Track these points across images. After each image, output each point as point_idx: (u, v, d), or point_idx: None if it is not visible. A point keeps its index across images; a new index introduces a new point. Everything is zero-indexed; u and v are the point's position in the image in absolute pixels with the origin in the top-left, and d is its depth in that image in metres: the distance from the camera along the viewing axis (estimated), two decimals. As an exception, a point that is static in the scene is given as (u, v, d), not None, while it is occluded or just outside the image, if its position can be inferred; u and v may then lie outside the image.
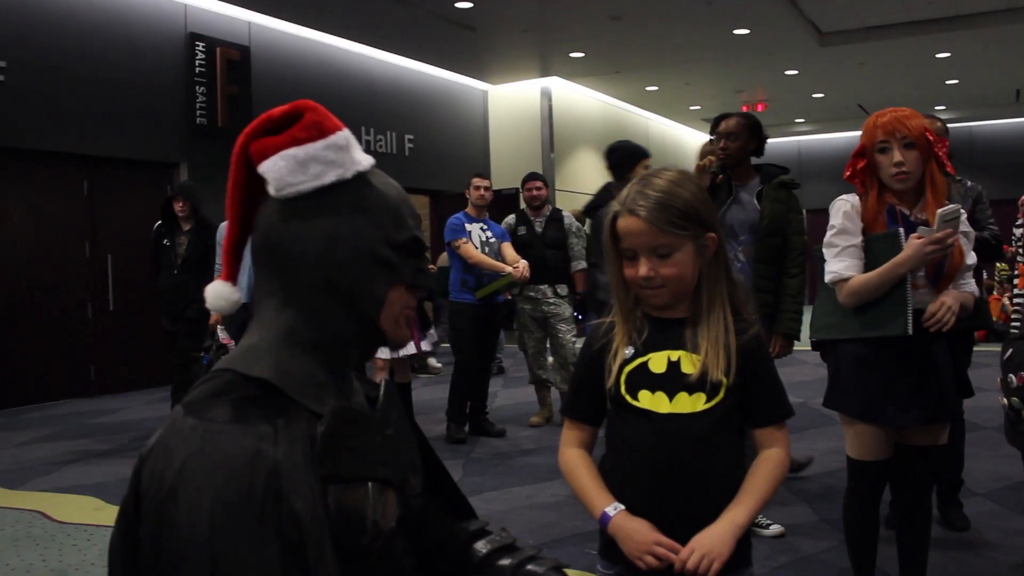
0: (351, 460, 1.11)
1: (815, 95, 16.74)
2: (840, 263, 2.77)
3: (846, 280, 2.76)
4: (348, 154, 1.16)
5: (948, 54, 13.41)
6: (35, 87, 8.40)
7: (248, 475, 1.00)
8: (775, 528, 3.99)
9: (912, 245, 2.62)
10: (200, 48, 9.87)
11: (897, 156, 2.68)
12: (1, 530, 4.45)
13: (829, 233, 2.82)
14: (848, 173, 2.84)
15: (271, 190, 1.15)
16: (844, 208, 2.80)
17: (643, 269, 1.63)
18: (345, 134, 1.17)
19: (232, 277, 1.25)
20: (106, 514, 4.67)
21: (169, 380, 9.78)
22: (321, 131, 1.15)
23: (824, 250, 2.84)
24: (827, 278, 2.81)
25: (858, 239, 2.78)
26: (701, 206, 1.65)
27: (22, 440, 6.89)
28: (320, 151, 1.14)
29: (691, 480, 1.63)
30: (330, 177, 1.14)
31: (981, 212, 3.98)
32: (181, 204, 6.87)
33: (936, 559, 3.25)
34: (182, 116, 9.75)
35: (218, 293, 1.25)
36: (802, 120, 19.78)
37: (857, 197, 2.83)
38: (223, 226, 6.91)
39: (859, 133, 2.83)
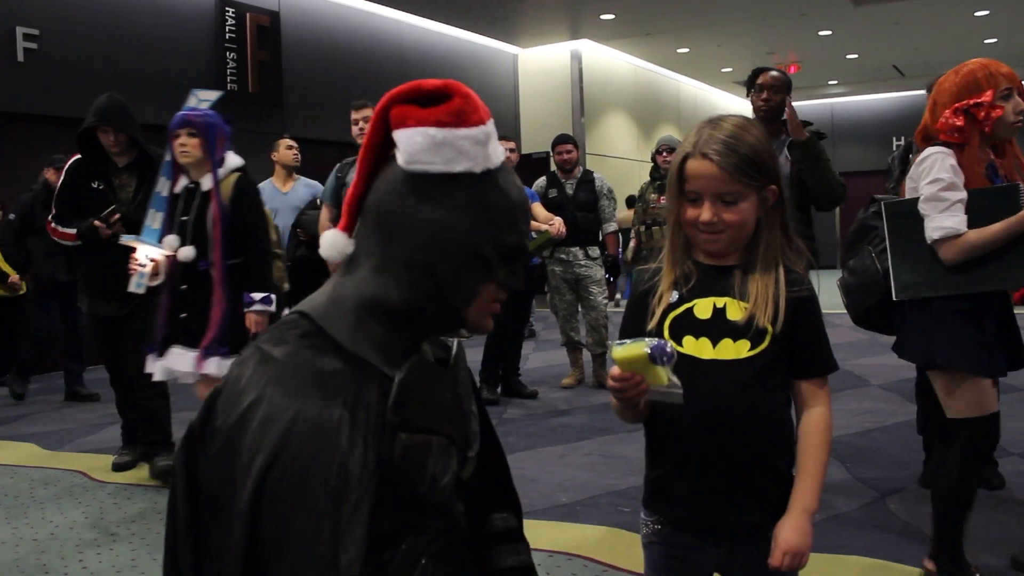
0: (422, 411, 1.14)
1: (849, 56, 16.47)
2: (952, 218, 2.69)
3: (959, 236, 2.69)
4: (484, 149, 1.16)
5: (987, 12, 13.13)
6: (66, 55, 8.46)
7: (313, 424, 1.06)
8: (808, 486, 3.99)
9: None
10: (230, 14, 9.87)
11: (1022, 104, 2.71)
12: (44, 489, 4.55)
13: (935, 187, 2.72)
14: (949, 123, 2.75)
15: (400, 159, 1.15)
16: (950, 162, 2.73)
17: (706, 214, 1.62)
18: (487, 129, 1.16)
19: (350, 228, 1.22)
20: (145, 473, 4.75)
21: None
22: (465, 119, 1.14)
23: (927, 204, 2.75)
24: (937, 234, 2.71)
25: (964, 194, 2.71)
26: (768, 155, 1.64)
27: (62, 404, 7.01)
28: (459, 139, 1.13)
29: (734, 427, 1.62)
30: (460, 167, 1.14)
31: None
32: (112, 137, 4.67)
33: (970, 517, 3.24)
34: (212, 82, 9.75)
35: (334, 243, 1.22)
36: (835, 82, 19.48)
37: (951, 151, 2.76)
38: (259, 187, 6.89)
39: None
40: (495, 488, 1.43)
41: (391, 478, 1.09)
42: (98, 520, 4.03)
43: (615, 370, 1.49)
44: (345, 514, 1.04)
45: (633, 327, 1.74)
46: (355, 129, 5.54)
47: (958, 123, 2.75)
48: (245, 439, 1.06)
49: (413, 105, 1.15)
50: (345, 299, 1.15)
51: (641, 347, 1.44)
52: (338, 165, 5.64)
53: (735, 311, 1.65)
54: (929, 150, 2.80)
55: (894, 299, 2.90)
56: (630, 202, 12.47)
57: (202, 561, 1.10)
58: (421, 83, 1.16)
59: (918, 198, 2.80)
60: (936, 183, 2.73)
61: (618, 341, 1.49)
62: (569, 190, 6.77)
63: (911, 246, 2.82)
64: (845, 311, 3.21)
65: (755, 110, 4.15)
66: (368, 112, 5.31)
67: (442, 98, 1.15)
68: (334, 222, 5.11)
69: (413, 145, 1.13)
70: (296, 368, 1.09)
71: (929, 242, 2.75)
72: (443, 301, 1.17)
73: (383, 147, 1.19)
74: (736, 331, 1.64)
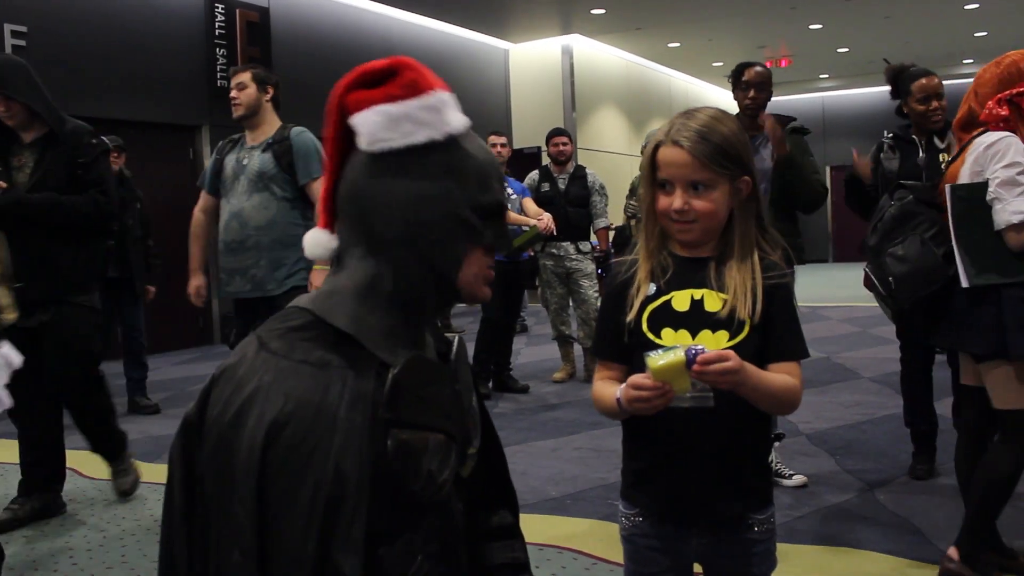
0: (418, 408, 1.13)
1: (840, 50, 16.50)
2: None
3: None
4: (441, 115, 1.17)
5: (976, 5, 13.17)
6: (55, 52, 8.41)
7: (308, 422, 1.05)
8: (798, 479, 4.00)
9: None
10: (219, 10, 9.85)
11: None
12: (34, 486, 4.52)
13: (1013, 170, 2.69)
14: (994, 113, 2.76)
15: (362, 143, 1.16)
16: (1021, 147, 2.72)
17: (677, 202, 1.62)
18: (440, 95, 1.17)
19: (330, 224, 1.24)
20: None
21: (198, 340, 9.96)
22: (417, 90, 1.15)
23: (1003, 188, 2.71)
24: (1017, 218, 2.67)
25: None
26: (741, 146, 1.64)
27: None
28: (414, 110, 1.14)
29: (715, 417, 1.61)
30: (421, 137, 1.15)
31: None
32: (3, 106, 3.77)
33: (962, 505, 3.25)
34: (202, 79, 9.76)
35: (316, 241, 1.24)
36: (826, 76, 19.52)
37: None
38: None
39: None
40: (493, 484, 1.43)
41: (386, 475, 1.09)
42: (88, 517, 4.03)
43: (644, 380, 1.47)
44: (344, 517, 1.04)
45: (612, 319, 1.73)
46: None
47: (1003, 112, 2.75)
48: (242, 435, 1.05)
49: (363, 89, 1.17)
50: (343, 290, 1.16)
51: (679, 354, 1.43)
52: (218, 145, 4.46)
53: (713, 302, 1.64)
54: (997, 134, 2.76)
55: (965, 286, 2.80)
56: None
57: (195, 552, 1.10)
58: (367, 66, 1.18)
59: (984, 182, 2.76)
60: (1014, 166, 2.69)
61: (647, 353, 1.46)
62: (561, 185, 6.77)
63: (976, 231, 2.78)
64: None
65: (741, 108, 4.13)
66: (243, 77, 4.15)
67: (390, 75, 1.17)
68: (205, 211, 4.62)
69: (371, 125, 1.14)
70: (293, 361, 1.09)
71: (1003, 226, 2.71)
72: (435, 272, 1.17)
73: (345, 139, 1.20)
74: (715, 322, 1.63)
